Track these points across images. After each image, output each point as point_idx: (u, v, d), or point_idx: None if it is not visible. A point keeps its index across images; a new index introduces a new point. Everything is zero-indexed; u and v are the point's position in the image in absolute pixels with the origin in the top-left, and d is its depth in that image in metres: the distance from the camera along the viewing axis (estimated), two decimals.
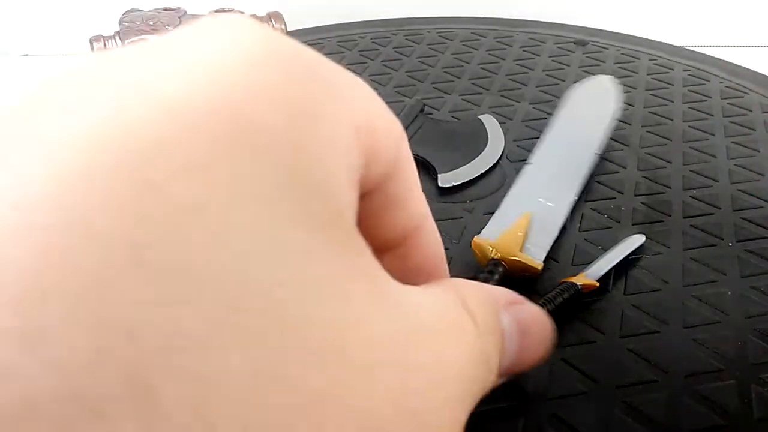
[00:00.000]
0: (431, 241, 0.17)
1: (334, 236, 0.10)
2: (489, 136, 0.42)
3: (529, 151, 0.41)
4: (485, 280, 0.29)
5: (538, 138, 0.43)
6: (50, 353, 0.07)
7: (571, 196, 0.35)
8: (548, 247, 0.32)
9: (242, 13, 0.45)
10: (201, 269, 0.08)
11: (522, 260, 0.30)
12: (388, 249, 0.16)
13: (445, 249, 0.34)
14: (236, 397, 0.08)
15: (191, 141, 0.09)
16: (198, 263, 0.08)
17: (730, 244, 0.33)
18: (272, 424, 0.08)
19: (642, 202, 0.37)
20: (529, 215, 0.33)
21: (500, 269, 0.30)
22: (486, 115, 0.45)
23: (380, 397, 0.10)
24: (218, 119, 0.10)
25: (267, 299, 0.09)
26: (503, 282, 0.29)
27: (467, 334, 0.13)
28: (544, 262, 0.31)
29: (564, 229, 0.34)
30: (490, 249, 0.31)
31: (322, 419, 0.09)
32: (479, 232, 0.33)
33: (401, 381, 0.10)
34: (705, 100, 0.47)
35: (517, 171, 0.40)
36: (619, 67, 0.52)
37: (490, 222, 0.33)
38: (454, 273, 0.19)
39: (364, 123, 0.13)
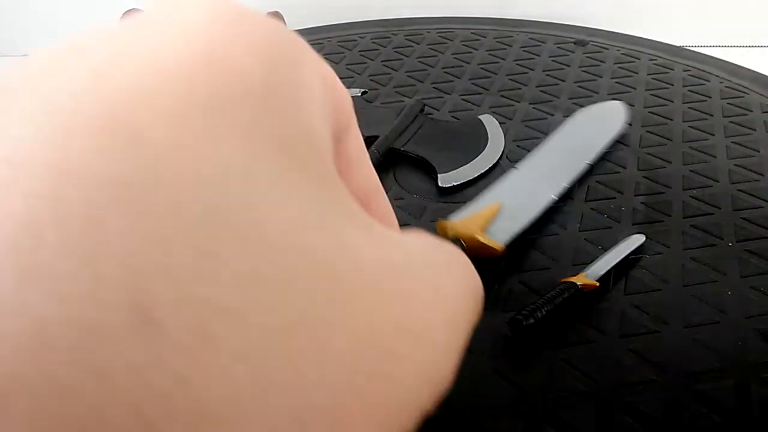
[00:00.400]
0: (386, 212, 0.18)
1: (315, 172, 0.11)
2: (489, 136, 0.42)
3: (530, 151, 0.42)
4: None
5: (538, 138, 0.43)
6: (52, 286, 0.07)
7: (549, 194, 0.35)
8: (513, 234, 0.32)
9: None
10: (183, 204, 0.09)
11: (481, 240, 0.31)
12: None
13: None
14: (234, 317, 0.08)
15: (171, 89, 0.10)
16: (180, 198, 0.09)
17: (730, 244, 0.33)
18: (271, 346, 0.08)
19: (642, 202, 0.37)
20: (498, 205, 0.34)
21: (458, 247, 0.30)
22: (486, 115, 0.45)
23: (380, 319, 0.10)
24: (196, 68, 0.10)
25: (250, 229, 0.09)
26: None
27: (461, 264, 0.13)
28: (509, 247, 0.31)
29: (538, 225, 0.34)
30: (451, 229, 0.31)
31: (325, 337, 0.09)
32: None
33: (398, 306, 0.10)
34: (705, 100, 0.47)
35: None
36: (619, 67, 0.52)
37: (460, 210, 0.34)
38: None
39: (328, 76, 0.14)
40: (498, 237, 0.31)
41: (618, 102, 0.44)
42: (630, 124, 0.44)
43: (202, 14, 0.12)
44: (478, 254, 0.30)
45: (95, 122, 0.09)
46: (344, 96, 0.15)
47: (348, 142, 0.16)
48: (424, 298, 0.11)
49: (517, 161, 0.41)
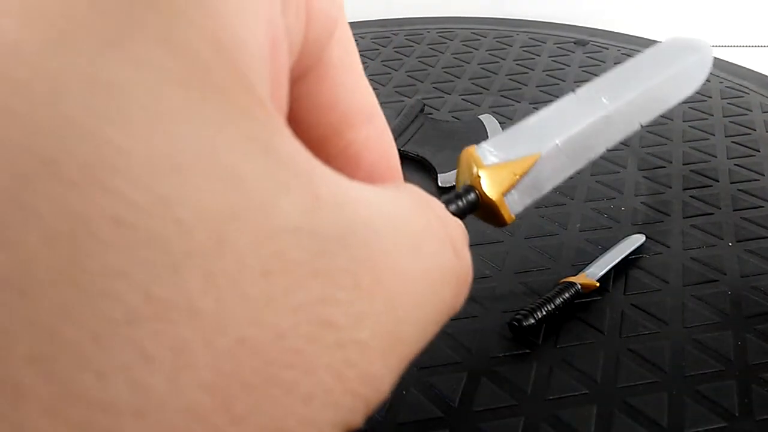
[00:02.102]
0: (385, 138, 0.16)
1: (219, 99, 0.09)
2: (489, 136, 0.42)
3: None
4: (447, 202, 0.24)
5: None
6: None
7: (579, 164, 0.29)
8: (530, 203, 0.27)
9: None
10: (68, 127, 0.08)
11: (498, 204, 0.26)
12: (340, 148, 0.15)
13: None
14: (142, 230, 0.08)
15: (62, 12, 0.09)
16: (69, 123, 0.08)
17: (730, 244, 0.33)
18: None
19: (642, 202, 0.37)
20: (537, 157, 0.27)
21: (471, 197, 0.25)
22: (486, 115, 0.45)
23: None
24: None
25: (133, 158, 0.08)
26: (461, 214, 0.25)
27: (438, 241, 0.11)
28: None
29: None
30: (475, 172, 0.26)
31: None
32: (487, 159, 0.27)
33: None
34: (705, 100, 0.47)
35: None
36: None
37: (500, 136, 0.28)
38: None
39: None
40: (514, 204, 0.26)
41: (705, 44, 0.36)
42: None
43: None
44: (484, 215, 0.26)
45: None
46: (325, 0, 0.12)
47: (330, 50, 0.13)
48: (360, 292, 0.09)
49: None
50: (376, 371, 0.09)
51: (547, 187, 0.29)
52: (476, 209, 0.25)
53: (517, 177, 0.27)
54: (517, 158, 0.27)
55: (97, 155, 0.08)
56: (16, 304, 0.07)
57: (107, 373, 0.07)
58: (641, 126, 0.32)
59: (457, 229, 0.12)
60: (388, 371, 0.10)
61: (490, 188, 0.26)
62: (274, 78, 0.11)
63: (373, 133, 0.16)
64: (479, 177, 0.26)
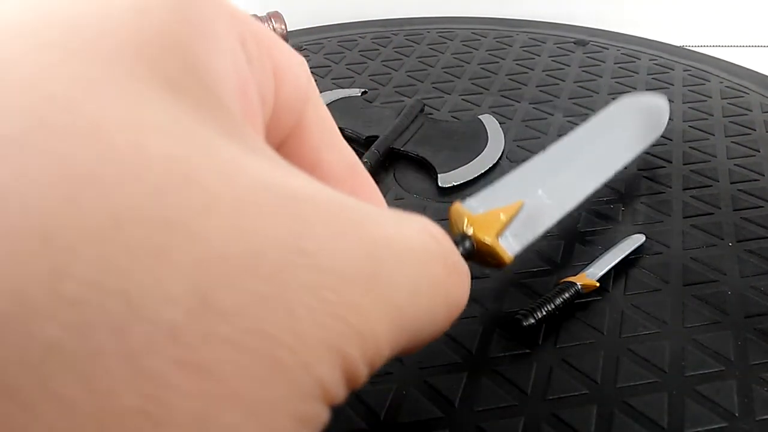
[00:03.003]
0: (368, 187, 0.17)
1: (195, 100, 0.10)
2: (489, 136, 0.42)
3: (530, 151, 0.41)
4: None
5: (538, 138, 0.43)
6: None
7: (571, 203, 0.32)
8: (527, 243, 0.29)
9: None
10: (50, 118, 0.09)
11: (493, 247, 0.27)
12: None
13: None
14: (58, 204, 0.08)
15: (37, 16, 0.10)
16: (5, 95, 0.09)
17: (730, 244, 0.33)
18: (101, 239, 0.08)
19: (642, 202, 0.37)
20: (521, 204, 0.30)
21: (467, 245, 0.27)
22: (486, 115, 0.45)
23: (254, 235, 0.09)
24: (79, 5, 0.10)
25: (79, 123, 0.09)
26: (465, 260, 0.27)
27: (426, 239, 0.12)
28: (516, 258, 0.28)
29: (548, 234, 0.31)
30: (466, 222, 0.28)
31: (165, 241, 0.09)
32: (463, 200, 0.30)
33: (287, 227, 0.10)
34: (705, 100, 0.47)
35: None
36: (619, 67, 0.52)
37: (480, 194, 0.30)
38: None
39: (253, 37, 0.13)
40: (510, 244, 0.28)
41: (662, 97, 0.41)
42: None
43: None
44: (484, 259, 0.27)
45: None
46: (294, 69, 0.14)
47: (306, 115, 0.15)
48: (334, 230, 0.10)
49: (517, 161, 0.40)
50: (358, 302, 0.10)
51: (540, 229, 0.31)
52: (473, 255, 0.27)
53: (505, 221, 0.28)
54: (501, 206, 0.29)
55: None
56: None
57: None
58: (617, 170, 0.35)
59: (445, 237, 0.13)
60: (374, 309, 0.10)
61: (482, 233, 0.28)
62: (247, 108, 0.12)
63: (357, 182, 0.17)
64: (470, 225, 0.28)
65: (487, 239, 0.27)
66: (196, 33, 0.11)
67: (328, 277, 0.09)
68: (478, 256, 0.27)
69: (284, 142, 0.15)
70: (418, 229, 0.12)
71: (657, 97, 0.41)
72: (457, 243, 0.27)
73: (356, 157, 0.17)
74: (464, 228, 0.27)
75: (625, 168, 0.37)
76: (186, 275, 0.08)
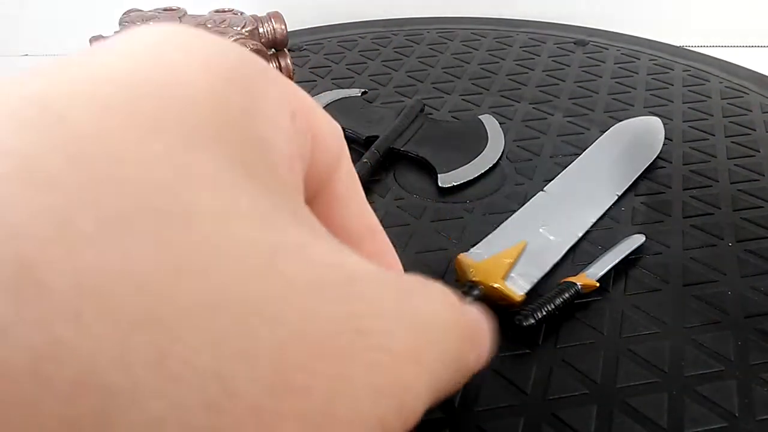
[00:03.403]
0: (387, 251, 0.18)
1: (263, 179, 0.11)
2: (489, 136, 0.42)
3: (530, 151, 0.42)
4: None
5: (538, 138, 0.43)
6: None
7: (576, 233, 0.33)
8: (535, 281, 0.30)
9: (242, 13, 0.45)
10: (91, 179, 0.09)
11: (501, 288, 0.29)
12: None
13: (444, 249, 0.34)
14: (133, 287, 0.08)
15: (107, 90, 0.10)
16: (89, 175, 0.09)
17: (730, 244, 0.33)
18: (179, 319, 0.09)
19: (642, 202, 0.37)
20: (524, 244, 0.31)
21: (475, 292, 0.28)
22: (486, 115, 0.45)
23: (320, 313, 0.10)
24: (136, 77, 0.11)
25: (161, 202, 0.09)
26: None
27: (439, 302, 0.13)
28: (528, 294, 0.29)
29: (558, 265, 0.32)
30: (471, 271, 0.29)
31: (250, 323, 0.09)
32: (468, 250, 0.31)
33: (346, 305, 0.10)
34: (705, 100, 0.47)
35: (518, 171, 0.40)
36: (619, 67, 0.52)
37: (483, 241, 0.32)
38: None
39: (299, 107, 0.14)
40: (518, 283, 0.29)
41: (656, 119, 0.42)
42: None
43: (156, 38, 0.12)
44: (496, 302, 0.28)
45: (26, 111, 0.09)
46: (329, 136, 0.15)
47: (337, 179, 0.16)
48: (385, 307, 0.11)
49: (517, 161, 0.40)
50: (408, 379, 0.11)
51: (547, 265, 0.32)
52: (482, 300, 0.28)
53: (510, 262, 0.30)
54: (504, 249, 0.31)
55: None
56: None
57: None
58: (617, 196, 0.36)
59: (461, 304, 0.14)
60: (419, 383, 0.11)
61: (489, 278, 0.29)
62: (296, 178, 0.13)
63: (377, 247, 0.18)
64: (476, 272, 0.29)
65: (494, 284, 0.29)
66: (260, 111, 0.12)
67: (384, 356, 0.10)
68: (489, 299, 0.28)
69: (314, 199, 0.16)
70: (442, 300, 0.13)
71: (649, 120, 0.42)
72: (465, 292, 0.28)
73: (376, 219, 0.18)
74: (471, 276, 0.29)
75: (624, 196, 0.37)
76: (269, 356, 0.09)
